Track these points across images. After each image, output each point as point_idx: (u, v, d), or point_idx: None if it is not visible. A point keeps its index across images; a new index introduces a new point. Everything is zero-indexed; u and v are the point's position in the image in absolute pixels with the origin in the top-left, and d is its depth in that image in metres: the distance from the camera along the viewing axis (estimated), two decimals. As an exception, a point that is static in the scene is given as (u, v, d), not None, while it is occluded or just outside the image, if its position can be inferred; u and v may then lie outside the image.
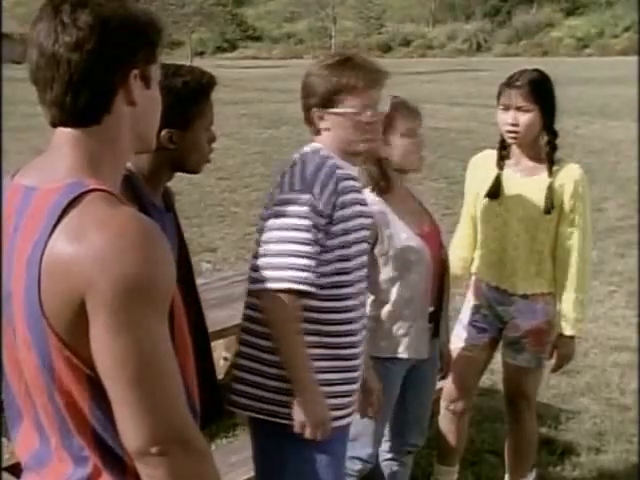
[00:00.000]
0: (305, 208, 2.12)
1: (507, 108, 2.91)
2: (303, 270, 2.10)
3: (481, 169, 3.09)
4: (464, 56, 56.46)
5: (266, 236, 2.16)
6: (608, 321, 5.69)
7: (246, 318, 2.31)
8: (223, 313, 3.39)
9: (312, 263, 2.12)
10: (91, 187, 1.26)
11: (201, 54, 60.33)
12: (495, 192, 2.99)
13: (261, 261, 2.15)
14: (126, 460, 1.29)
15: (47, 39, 1.26)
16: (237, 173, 11.16)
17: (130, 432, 1.23)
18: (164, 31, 1.36)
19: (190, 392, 1.40)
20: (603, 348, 5.17)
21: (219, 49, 66.37)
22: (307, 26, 62.18)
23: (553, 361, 3.14)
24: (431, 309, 2.77)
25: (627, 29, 55.26)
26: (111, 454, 1.30)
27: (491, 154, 3.09)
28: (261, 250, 2.16)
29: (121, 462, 1.30)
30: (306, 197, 2.12)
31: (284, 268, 2.10)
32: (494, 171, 3.02)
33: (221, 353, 4.24)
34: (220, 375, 4.16)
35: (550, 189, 2.92)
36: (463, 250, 3.18)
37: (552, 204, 2.92)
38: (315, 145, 2.28)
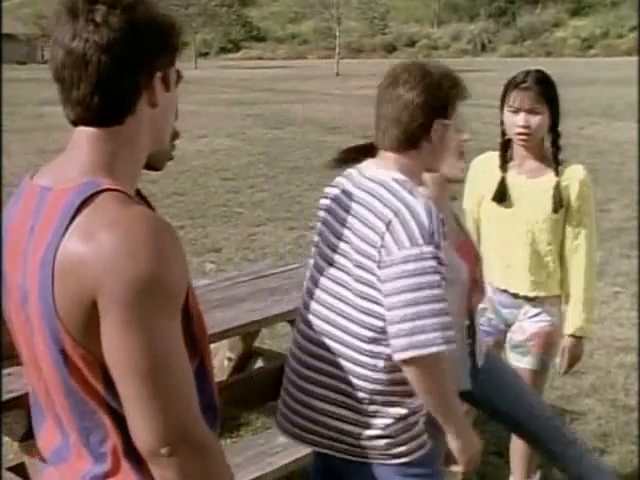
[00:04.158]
0: (433, 262, 1.95)
1: (517, 110, 2.87)
2: (448, 328, 1.96)
3: (483, 172, 3.07)
4: (469, 56, 56.45)
5: (398, 299, 1.95)
6: (613, 322, 5.67)
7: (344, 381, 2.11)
8: (227, 314, 3.39)
9: (450, 319, 1.98)
10: (104, 187, 1.27)
11: (205, 55, 60.41)
12: (501, 196, 2.97)
13: (401, 327, 1.94)
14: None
15: (76, 38, 1.27)
16: (242, 174, 11.16)
17: (141, 433, 1.24)
18: (182, 35, 1.38)
19: (210, 389, 1.41)
20: (608, 349, 5.16)
21: (223, 50, 66.46)
22: (311, 27, 62.26)
23: (560, 362, 3.11)
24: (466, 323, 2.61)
25: (632, 29, 55.17)
26: (130, 445, 1.30)
27: (493, 156, 3.07)
28: (395, 315, 1.95)
29: (139, 454, 1.30)
30: (430, 249, 1.94)
31: (432, 330, 1.94)
32: (497, 174, 3.00)
33: (225, 354, 4.24)
34: (224, 376, 4.16)
35: (557, 188, 2.92)
36: None
37: (561, 203, 2.92)
38: (397, 176, 2.06)
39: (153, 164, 2.03)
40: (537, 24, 61.06)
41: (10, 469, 2.92)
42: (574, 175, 2.97)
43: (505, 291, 3.06)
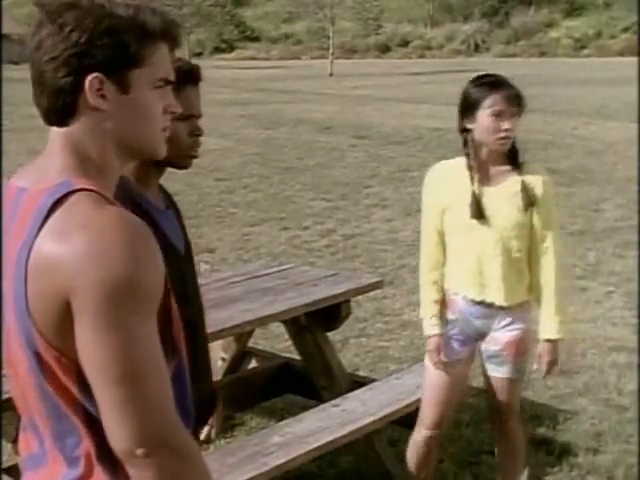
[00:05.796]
0: None
1: (501, 114, 2.80)
2: None
3: (444, 182, 2.97)
4: (462, 57, 56.49)
5: None
6: (606, 322, 5.69)
7: None
8: (221, 314, 3.39)
9: None
10: (77, 187, 1.27)
11: (199, 55, 60.31)
12: (479, 212, 2.87)
13: None
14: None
15: (29, 43, 1.31)
16: (235, 174, 11.16)
17: (116, 434, 1.22)
18: (154, 35, 1.32)
19: (186, 394, 1.41)
20: (601, 349, 5.17)
21: (217, 50, 66.40)
22: (305, 27, 62.20)
23: (539, 367, 3.05)
24: None
25: (625, 30, 55.32)
26: (103, 449, 1.29)
27: (450, 165, 2.99)
28: None
29: (114, 455, 1.28)
30: None
31: None
32: (460, 183, 2.90)
33: (219, 354, 4.24)
34: (218, 376, 4.16)
35: (525, 186, 2.87)
36: (435, 272, 3.02)
37: (530, 201, 2.87)
38: None
39: (175, 163, 2.00)
40: (530, 24, 61.09)
41: (4, 470, 2.91)
42: (537, 176, 2.93)
43: (480, 302, 2.97)
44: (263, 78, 35.37)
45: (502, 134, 2.82)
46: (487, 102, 2.81)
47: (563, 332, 3.00)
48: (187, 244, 2.07)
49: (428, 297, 3.02)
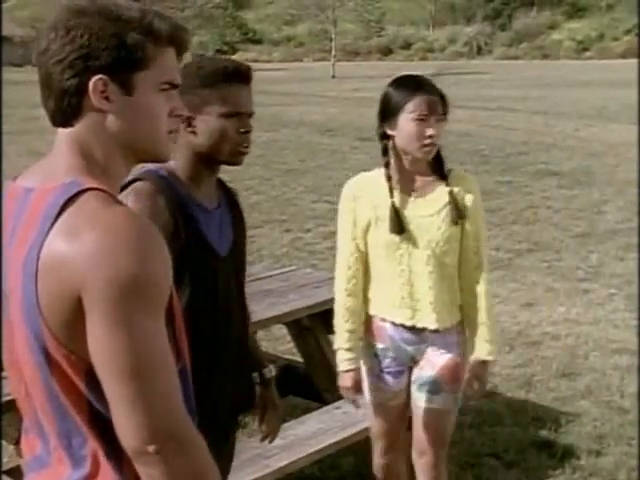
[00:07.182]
0: None
1: (426, 118, 2.55)
2: None
3: (365, 197, 2.69)
4: (464, 59, 56.51)
5: None
6: (608, 324, 5.68)
7: None
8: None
9: None
10: (86, 186, 1.28)
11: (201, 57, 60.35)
12: (400, 227, 2.62)
13: None
14: (125, 452, 1.30)
15: (37, 45, 1.34)
16: (237, 176, 11.12)
17: (126, 431, 1.24)
18: (160, 38, 1.33)
19: (189, 394, 1.41)
20: (603, 351, 5.17)
21: (219, 52, 66.43)
22: (307, 29, 62.28)
23: (468, 388, 2.78)
24: None
25: (627, 32, 55.34)
26: (111, 444, 1.30)
27: (369, 177, 2.73)
28: None
29: (121, 453, 1.30)
30: None
31: None
32: (382, 197, 2.65)
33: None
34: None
35: (453, 197, 2.64)
36: (353, 298, 2.73)
37: (460, 213, 2.63)
38: None
39: (226, 160, 2.06)
40: (533, 26, 61.13)
41: (5, 472, 2.91)
42: (464, 184, 2.70)
43: (409, 326, 2.72)
44: (265, 80, 35.35)
45: (426, 141, 2.57)
46: (409, 106, 2.56)
47: (495, 353, 2.74)
48: (236, 244, 2.13)
49: (343, 327, 2.73)
